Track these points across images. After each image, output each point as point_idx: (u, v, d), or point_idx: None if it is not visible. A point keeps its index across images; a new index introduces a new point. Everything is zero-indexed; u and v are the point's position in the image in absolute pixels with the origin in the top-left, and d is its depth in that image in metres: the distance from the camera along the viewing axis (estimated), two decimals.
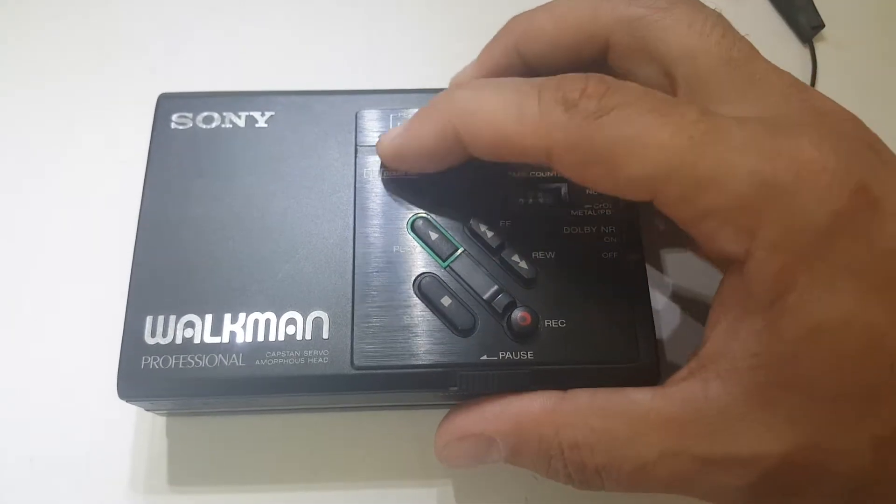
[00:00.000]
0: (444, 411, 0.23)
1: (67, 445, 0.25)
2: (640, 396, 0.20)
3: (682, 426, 0.19)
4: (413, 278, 0.23)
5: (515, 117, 0.20)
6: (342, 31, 0.33)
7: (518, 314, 0.22)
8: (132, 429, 0.26)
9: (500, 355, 0.22)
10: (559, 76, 0.20)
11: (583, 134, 0.19)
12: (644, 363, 0.22)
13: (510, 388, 0.22)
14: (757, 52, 0.21)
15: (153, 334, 0.22)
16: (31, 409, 0.26)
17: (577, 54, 0.24)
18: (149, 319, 0.22)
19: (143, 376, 0.22)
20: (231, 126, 0.25)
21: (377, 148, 0.24)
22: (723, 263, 0.21)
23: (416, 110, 0.25)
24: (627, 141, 0.19)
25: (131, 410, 0.25)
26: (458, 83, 0.26)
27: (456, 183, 0.24)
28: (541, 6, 0.24)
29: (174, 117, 0.25)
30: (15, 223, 0.29)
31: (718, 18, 0.22)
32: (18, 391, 0.26)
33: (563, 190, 0.24)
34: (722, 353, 0.19)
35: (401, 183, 0.24)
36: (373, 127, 0.25)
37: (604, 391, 0.21)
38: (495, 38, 0.26)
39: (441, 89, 0.26)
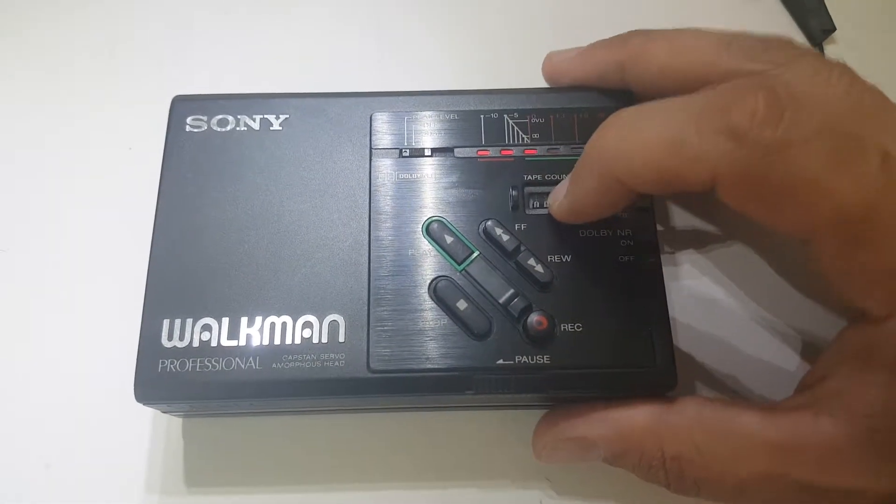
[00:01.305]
0: (461, 413, 0.23)
1: (83, 446, 0.25)
2: (747, 419, 0.21)
3: (787, 452, 0.20)
4: (428, 282, 0.23)
5: (675, 152, 0.19)
6: (356, 33, 0.33)
7: (534, 318, 0.22)
8: (148, 430, 0.26)
9: (517, 359, 0.22)
10: (716, 90, 0.19)
11: (754, 170, 0.18)
12: (661, 368, 0.22)
13: (527, 391, 0.22)
14: (889, 100, 0.20)
15: (170, 337, 0.22)
16: (46, 410, 0.26)
17: (683, 91, 0.22)
18: (165, 322, 0.22)
19: (161, 379, 0.22)
20: (246, 129, 0.25)
21: (551, 211, 0.23)
22: (850, 310, 0.21)
23: (428, 113, 0.25)
24: (804, 184, 0.18)
25: (147, 412, 0.25)
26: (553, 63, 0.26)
27: (471, 185, 0.24)
28: (662, 32, 0.24)
29: (189, 120, 0.25)
30: (31, 225, 0.29)
31: (844, 69, 0.20)
32: (34, 393, 0.26)
33: None
34: (838, 394, 0.20)
35: (415, 185, 0.24)
36: (387, 129, 0.25)
37: (711, 406, 0.21)
38: (606, 45, 0.25)
39: (454, 91, 0.26)
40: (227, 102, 0.26)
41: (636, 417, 0.22)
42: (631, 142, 0.20)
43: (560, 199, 0.23)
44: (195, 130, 0.25)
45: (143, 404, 0.22)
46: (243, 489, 0.25)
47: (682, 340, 0.26)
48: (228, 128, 0.25)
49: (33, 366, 0.27)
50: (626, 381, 0.22)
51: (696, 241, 0.28)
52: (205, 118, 0.25)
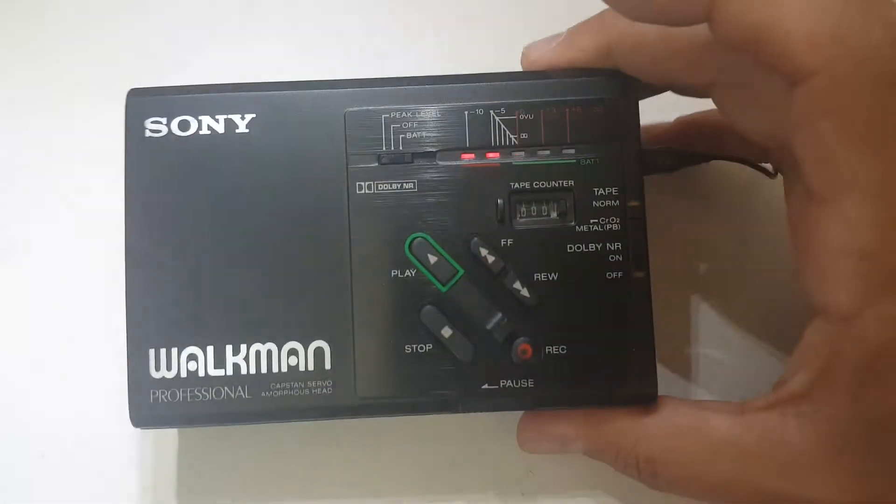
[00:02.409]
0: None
1: (75, 455, 0.26)
2: (717, 422, 0.21)
3: (754, 458, 0.21)
4: (413, 306, 0.23)
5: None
6: (335, 14, 0.29)
7: (519, 347, 0.22)
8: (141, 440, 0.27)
9: (501, 383, 0.22)
10: None
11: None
12: (642, 386, 0.23)
13: (511, 409, 0.23)
14: None
15: (157, 368, 0.22)
16: (38, 417, 0.27)
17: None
18: (151, 353, 0.22)
19: (153, 408, 0.22)
20: (210, 133, 0.23)
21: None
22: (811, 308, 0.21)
23: (408, 108, 0.23)
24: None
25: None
26: (532, 61, 0.24)
27: (455, 196, 0.23)
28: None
29: (147, 123, 0.23)
30: (29, 224, 0.28)
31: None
32: (26, 396, 0.27)
33: (569, 202, 0.23)
34: (806, 397, 0.20)
35: (396, 198, 0.23)
36: (363, 131, 0.23)
37: (684, 408, 0.22)
38: (587, 28, 0.23)
39: (435, 78, 0.24)
40: (188, 99, 0.23)
41: (613, 417, 0.23)
42: None
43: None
44: (155, 136, 0.23)
45: (141, 429, 0.23)
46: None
47: (667, 352, 0.26)
48: (191, 132, 0.23)
49: (24, 376, 0.27)
50: (608, 398, 0.23)
51: (678, 245, 0.27)
52: (164, 120, 0.23)
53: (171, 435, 0.26)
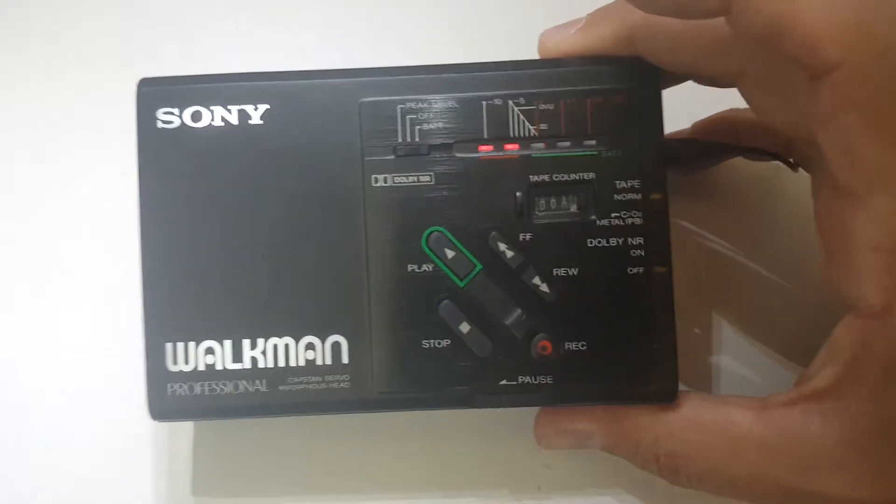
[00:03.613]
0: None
1: (89, 453, 0.27)
2: (739, 417, 0.21)
3: (776, 453, 0.21)
4: (430, 300, 0.22)
5: None
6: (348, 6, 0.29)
7: (538, 343, 0.22)
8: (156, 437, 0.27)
9: (520, 379, 0.22)
10: None
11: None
12: (663, 383, 0.22)
13: (530, 405, 0.23)
14: None
15: (175, 361, 0.22)
16: (55, 413, 0.27)
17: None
18: (168, 347, 0.22)
19: (171, 401, 0.23)
20: (223, 124, 0.23)
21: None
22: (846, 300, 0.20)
23: (424, 99, 0.23)
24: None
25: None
26: (549, 49, 0.23)
27: (473, 189, 0.22)
28: None
29: (159, 114, 0.23)
30: (43, 224, 0.28)
31: None
32: (45, 393, 0.27)
33: (589, 195, 0.22)
34: (831, 393, 0.20)
35: (412, 191, 0.23)
36: (378, 122, 0.23)
37: (705, 405, 0.22)
38: (608, 14, 0.22)
39: (451, 66, 0.23)
40: (200, 88, 0.23)
41: (633, 413, 0.23)
42: None
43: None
44: (167, 127, 0.23)
45: (159, 421, 0.23)
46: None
47: (689, 349, 0.26)
48: (203, 123, 0.23)
49: (44, 367, 0.27)
50: (627, 395, 0.22)
51: (697, 241, 0.27)
52: (176, 111, 0.23)
53: (187, 427, 0.26)
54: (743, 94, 0.22)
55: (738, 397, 0.23)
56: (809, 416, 0.20)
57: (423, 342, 0.22)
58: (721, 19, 0.19)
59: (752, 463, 0.21)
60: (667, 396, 0.22)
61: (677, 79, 0.24)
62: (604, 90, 0.22)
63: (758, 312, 0.27)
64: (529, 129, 0.22)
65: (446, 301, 0.22)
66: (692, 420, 0.22)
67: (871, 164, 0.18)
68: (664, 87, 0.23)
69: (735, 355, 0.27)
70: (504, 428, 0.26)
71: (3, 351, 0.27)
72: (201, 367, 0.22)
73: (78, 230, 0.28)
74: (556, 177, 0.22)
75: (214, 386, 0.22)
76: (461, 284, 0.22)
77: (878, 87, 0.17)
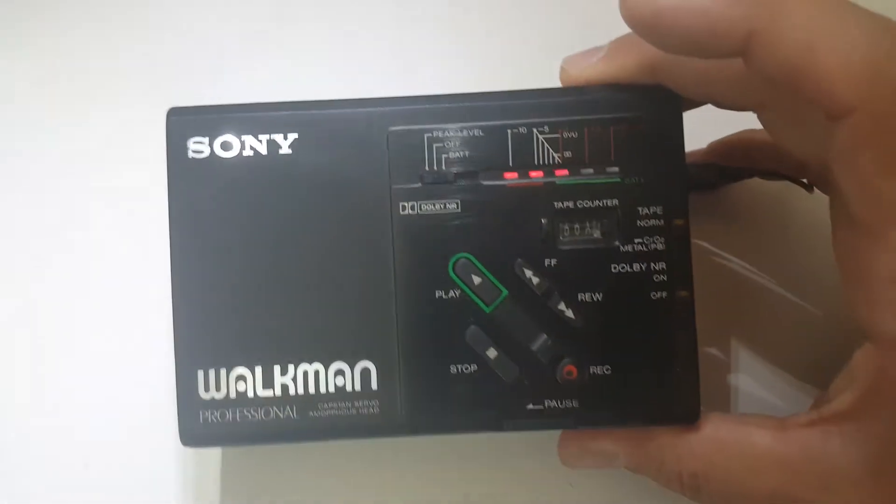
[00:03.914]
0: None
1: (119, 470, 0.27)
2: (760, 437, 0.22)
3: (796, 472, 0.21)
4: (458, 326, 0.23)
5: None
6: (374, 31, 0.29)
7: (564, 368, 0.22)
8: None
9: (546, 403, 0.23)
10: None
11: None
12: (685, 406, 0.23)
13: (556, 428, 0.23)
14: None
15: (206, 389, 0.23)
16: (84, 428, 0.27)
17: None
18: (200, 374, 0.23)
19: (203, 428, 0.23)
20: (252, 154, 0.23)
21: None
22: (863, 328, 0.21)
23: (450, 128, 0.23)
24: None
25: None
26: (573, 76, 0.24)
27: (498, 217, 0.23)
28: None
29: (190, 144, 0.23)
30: (72, 245, 0.29)
31: None
32: (77, 405, 0.27)
33: (613, 221, 0.23)
34: (850, 416, 0.21)
35: (439, 219, 0.23)
36: (406, 150, 0.23)
37: (727, 423, 0.22)
38: (631, 43, 0.22)
39: (477, 95, 0.24)
40: (229, 118, 0.23)
41: (656, 434, 0.23)
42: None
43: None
44: (198, 157, 0.23)
45: (190, 447, 0.23)
46: None
47: (711, 371, 0.26)
48: (234, 153, 0.23)
49: (77, 381, 0.27)
50: (651, 417, 0.23)
51: (713, 259, 0.27)
52: (206, 140, 0.23)
53: (214, 450, 0.27)
54: (762, 123, 0.23)
55: (758, 417, 0.23)
56: (829, 437, 0.21)
57: (451, 367, 0.23)
58: None
59: (773, 482, 0.21)
60: (689, 418, 0.23)
61: (697, 103, 0.24)
62: (626, 118, 0.23)
63: (774, 331, 0.28)
64: (554, 157, 0.23)
65: (473, 327, 0.23)
66: (714, 440, 0.22)
67: (888, 201, 0.19)
68: (684, 110, 0.23)
69: (752, 374, 0.27)
70: (527, 446, 0.27)
71: (39, 380, 0.28)
72: (233, 395, 0.23)
73: (111, 258, 0.28)
74: (580, 203, 0.23)
75: (246, 413, 0.23)
76: (488, 310, 0.23)
77: (893, 128, 0.18)
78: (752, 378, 0.27)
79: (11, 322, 0.28)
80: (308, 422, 0.23)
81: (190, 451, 0.27)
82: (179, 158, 0.23)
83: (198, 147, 0.23)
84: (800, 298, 0.27)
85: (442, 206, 0.23)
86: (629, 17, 0.20)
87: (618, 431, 0.24)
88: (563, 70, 0.24)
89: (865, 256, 0.20)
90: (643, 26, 0.20)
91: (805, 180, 0.25)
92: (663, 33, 0.20)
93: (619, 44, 0.23)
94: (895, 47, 0.18)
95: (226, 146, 0.23)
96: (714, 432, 0.23)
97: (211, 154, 0.23)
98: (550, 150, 0.23)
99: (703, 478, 0.22)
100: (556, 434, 0.25)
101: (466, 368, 0.23)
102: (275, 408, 0.23)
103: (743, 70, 0.20)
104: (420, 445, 0.27)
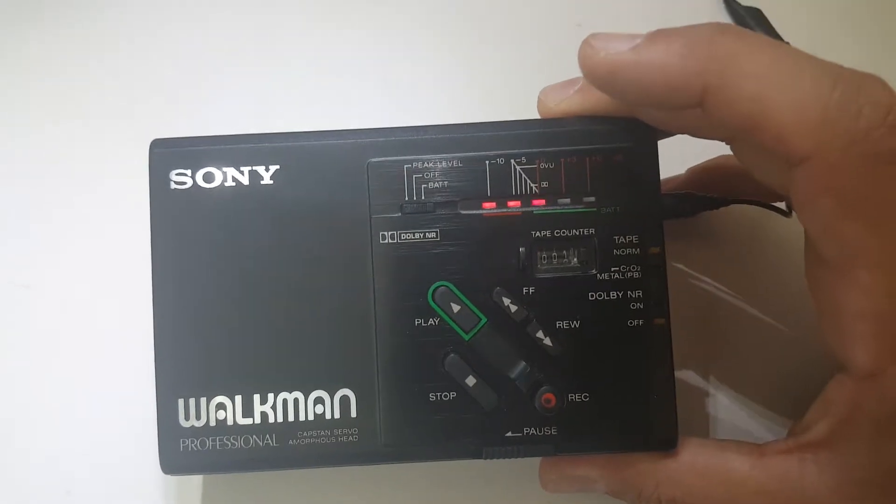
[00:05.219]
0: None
1: (101, 498, 0.27)
2: (738, 463, 0.22)
3: (774, 498, 0.21)
4: (437, 354, 0.23)
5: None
6: (358, 67, 0.30)
7: (542, 396, 0.23)
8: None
9: (525, 431, 0.23)
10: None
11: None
12: (663, 433, 0.23)
13: (534, 455, 0.23)
14: None
15: (187, 417, 0.23)
16: (67, 455, 0.27)
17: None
18: (181, 402, 0.23)
19: (183, 457, 0.23)
20: (234, 184, 0.24)
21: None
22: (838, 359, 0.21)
23: (429, 159, 0.23)
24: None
25: None
26: (550, 108, 0.24)
27: (477, 245, 0.23)
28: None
29: (172, 175, 0.24)
30: (56, 277, 0.29)
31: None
32: (57, 423, 0.28)
33: (590, 250, 0.23)
34: (826, 445, 0.21)
35: (419, 248, 0.23)
36: (385, 181, 0.23)
37: (704, 452, 0.23)
38: None
39: (455, 126, 0.24)
40: (212, 150, 0.24)
41: (635, 460, 0.23)
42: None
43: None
44: (180, 188, 0.24)
45: (170, 475, 0.23)
46: None
47: (688, 396, 0.26)
48: (216, 183, 0.24)
49: (59, 409, 0.28)
50: (629, 444, 0.23)
51: (690, 282, 0.28)
52: (188, 172, 0.24)
53: (196, 478, 0.27)
54: (734, 153, 0.23)
55: (736, 443, 0.23)
56: (806, 465, 0.21)
57: (430, 395, 0.23)
58: None
59: None
60: (667, 444, 0.23)
61: (672, 133, 0.25)
62: (602, 149, 0.23)
63: (751, 354, 0.28)
64: (531, 187, 0.23)
65: (452, 355, 0.23)
66: (692, 467, 0.23)
67: (851, 244, 0.19)
68: (660, 138, 0.24)
69: (729, 397, 0.27)
70: (507, 472, 0.27)
71: (21, 407, 0.28)
72: (213, 423, 0.23)
73: (92, 286, 0.29)
74: (558, 232, 0.23)
75: (226, 441, 0.23)
76: (467, 338, 0.23)
77: (848, 176, 0.18)
78: (729, 402, 0.27)
79: None
80: (288, 450, 0.23)
81: (172, 478, 0.27)
82: (162, 189, 0.23)
83: (180, 178, 0.24)
84: (776, 321, 0.28)
85: (421, 236, 0.23)
86: (588, 72, 0.21)
87: (597, 457, 0.24)
88: (540, 101, 0.24)
89: (835, 292, 0.20)
90: (602, 81, 0.21)
91: (783, 204, 0.26)
92: (621, 88, 0.21)
93: None
94: (845, 95, 0.18)
95: (208, 177, 0.24)
96: (693, 458, 0.23)
97: (193, 185, 0.23)
98: (528, 181, 0.23)
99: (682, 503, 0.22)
100: (536, 459, 0.25)
101: (445, 396, 0.23)
102: (254, 436, 0.23)
103: None
104: (399, 473, 0.27)
